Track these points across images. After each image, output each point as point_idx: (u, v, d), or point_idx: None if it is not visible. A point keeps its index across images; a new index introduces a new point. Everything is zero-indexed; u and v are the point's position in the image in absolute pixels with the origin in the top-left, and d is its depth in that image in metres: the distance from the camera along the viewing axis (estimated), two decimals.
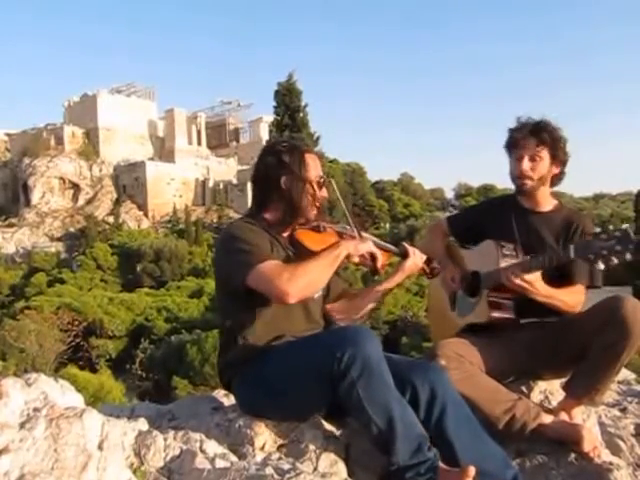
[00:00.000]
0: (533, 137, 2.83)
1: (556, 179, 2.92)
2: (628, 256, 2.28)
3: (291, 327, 2.52)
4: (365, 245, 2.52)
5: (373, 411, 2.15)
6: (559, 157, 2.86)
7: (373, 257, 2.54)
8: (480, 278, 2.81)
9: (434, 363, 2.53)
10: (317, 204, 2.62)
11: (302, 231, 2.61)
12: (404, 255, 2.72)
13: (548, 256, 2.58)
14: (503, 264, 2.72)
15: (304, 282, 2.35)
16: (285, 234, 2.62)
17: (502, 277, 2.66)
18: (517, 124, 2.90)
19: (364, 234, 2.70)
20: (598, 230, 2.37)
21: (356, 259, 2.54)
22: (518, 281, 2.60)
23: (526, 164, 2.83)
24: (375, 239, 2.73)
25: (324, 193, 2.64)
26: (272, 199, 2.61)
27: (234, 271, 2.45)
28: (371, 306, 2.80)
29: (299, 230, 2.61)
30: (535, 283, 2.63)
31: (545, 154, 2.83)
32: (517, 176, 2.86)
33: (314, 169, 2.62)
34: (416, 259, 2.70)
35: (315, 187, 2.60)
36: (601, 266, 2.32)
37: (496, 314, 2.76)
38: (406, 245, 2.75)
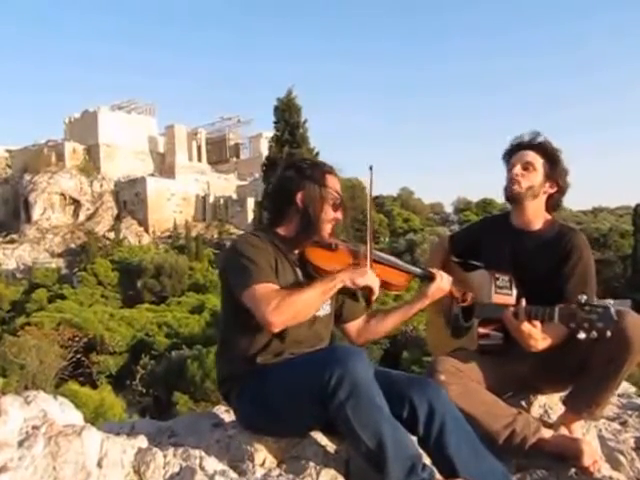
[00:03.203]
0: (529, 149, 2.84)
1: (552, 202, 2.88)
2: (608, 333, 2.29)
3: (293, 344, 2.51)
4: (363, 279, 2.49)
5: (363, 432, 2.13)
6: (555, 176, 2.83)
7: (370, 289, 2.53)
8: (474, 306, 2.79)
9: (432, 379, 2.53)
10: (331, 224, 2.61)
11: (313, 249, 2.59)
12: (430, 279, 2.69)
13: (542, 310, 2.52)
14: (496, 297, 2.71)
15: (291, 313, 2.36)
16: (296, 251, 2.62)
17: (504, 316, 2.59)
18: (517, 139, 2.90)
19: (381, 254, 2.69)
20: (584, 299, 2.35)
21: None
22: (524, 328, 2.52)
23: (517, 169, 2.82)
24: (394, 259, 2.72)
25: (339, 215, 2.63)
26: (288, 214, 2.60)
27: (232, 286, 2.48)
28: (389, 330, 2.80)
29: (310, 248, 2.59)
30: (537, 335, 2.55)
31: (539, 166, 2.81)
32: (508, 182, 2.85)
33: (333, 189, 2.61)
34: (442, 283, 2.68)
35: (331, 207, 2.59)
36: (582, 335, 2.31)
37: (484, 342, 2.74)
38: (433, 269, 2.72)
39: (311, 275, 2.55)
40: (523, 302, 2.55)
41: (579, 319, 2.33)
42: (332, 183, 2.62)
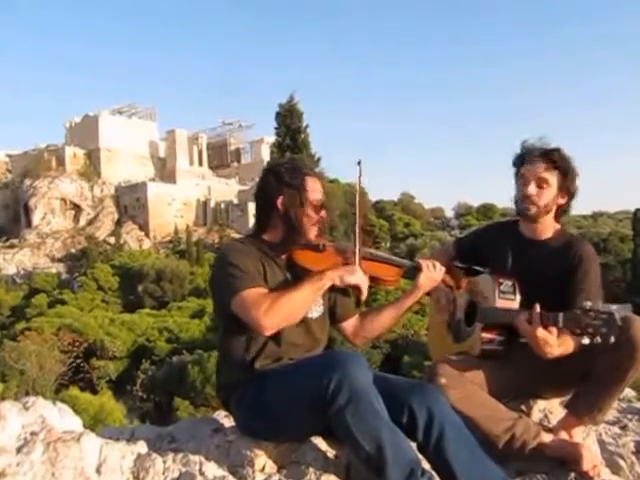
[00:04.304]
0: (543, 161, 2.74)
1: (561, 210, 2.84)
2: (612, 339, 2.29)
3: (289, 348, 2.51)
4: (352, 277, 2.51)
5: (362, 437, 2.13)
6: (567, 187, 2.77)
7: (358, 289, 2.54)
8: (476, 310, 2.77)
9: (433, 383, 2.52)
10: (316, 226, 2.61)
11: (301, 251, 2.60)
12: (417, 270, 2.68)
13: (546, 315, 2.49)
14: (499, 302, 2.70)
15: (282, 315, 2.36)
16: (284, 255, 2.62)
17: (517, 322, 2.55)
18: (529, 145, 2.82)
19: (370, 250, 2.70)
20: (588, 305, 2.35)
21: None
22: (539, 334, 2.47)
23: (532, 188, 2.74)
24: (382, 254, 2.73)
25: (323, 214, 2.63)
26: (271, 219, 2.60)
27: (221, 294, 2.49)
28: (386, 326, 2.78)
29: (298, 250, 2.60)
30: (553, 342, 2.51)
31: (554, 181, 2.74)
32: (521, 199, 2.78)
33: (314, 191, 2.61)
34: (431, 273, 2.68)
35: (314, 209, 2.59)
36: (586, 341, 2.32)
37: (486, 347, 2.73)
38: (420, 260, 2.72)
39: (301, 278, 2.54)
40: (537, 308, 2.50)
41: (583, 324, 2.32)
42: (312, 185, 2.61)
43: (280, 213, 2.57)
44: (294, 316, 2.44)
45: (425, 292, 2.72)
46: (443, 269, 2.71)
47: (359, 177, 2.66)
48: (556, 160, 2.74)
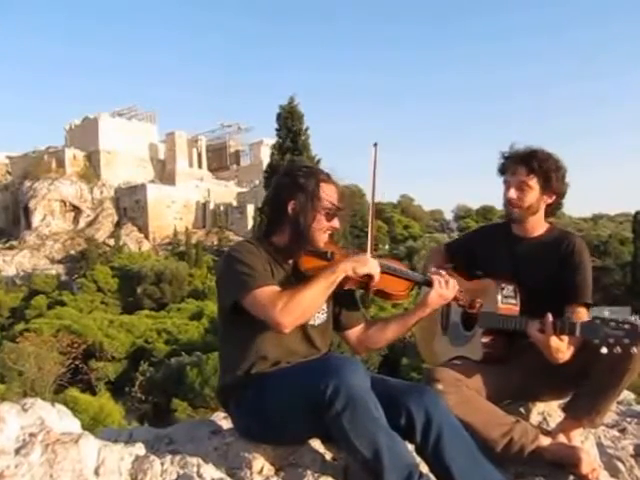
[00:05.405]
0: (523, 165, 2.79)
1: (552, 208, 2.88)
2: (634, 350, 2.27)
3: (288, 353, 2.50)
4: (364, 267, 2.44)
5: (359, 442, 2.12)
6: (552, 187, 2.81)
7: (370, 277, 2.47)
8: (477, 314, 2.75)
9: (430, 387, 2.51)
10: (326, 233, 2.56)
11: (308, 258, 2.55)
12: (429, 285, 2.61)
13: (562, 324, 2.48)
14: (502, 307, 2.69)
15: (299, 311, 2.34)
16: (290, 260, 2.58)
17: (529, 332, 2.54)
18: (510, 150, 2.87)
19: (381, 261, 2.60)
20: (607, 315, 2.33)
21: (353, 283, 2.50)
22: (553, 343, 2.48)
23: (513, 193, 2.80)
24: (394, 265, 2.64)
25: (335, 223, 2.57)
26: (281, 223, 2.56)
27: (231, 292, 2.44)
28: (390, 340, 2.75)
29: (305, 257, 2.55)
30: (564, 348, 2.52)
31: (535, 184, 2.79)
32: (505, 203, 2.84)
33: (328, 198, 2.54)
34: (443, 291, 2.59)
35: (325, 216, 2.53)
36: (604, 350, 2.29)
37: (488, 350, 2.72)
38: (432, 275, 2.62)
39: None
40: (549, 317, 2.48)
41: (603, 334, 2.30)
42: (327, 192, 2.55)
43: (290, 217, 2.52)
44: (310, 312, 2.43)
45: (434, 309, 2.66)
46: (457, 287, 2.64)
47: (374, 161, 2.54)
48: (536, 164, 2.78)
